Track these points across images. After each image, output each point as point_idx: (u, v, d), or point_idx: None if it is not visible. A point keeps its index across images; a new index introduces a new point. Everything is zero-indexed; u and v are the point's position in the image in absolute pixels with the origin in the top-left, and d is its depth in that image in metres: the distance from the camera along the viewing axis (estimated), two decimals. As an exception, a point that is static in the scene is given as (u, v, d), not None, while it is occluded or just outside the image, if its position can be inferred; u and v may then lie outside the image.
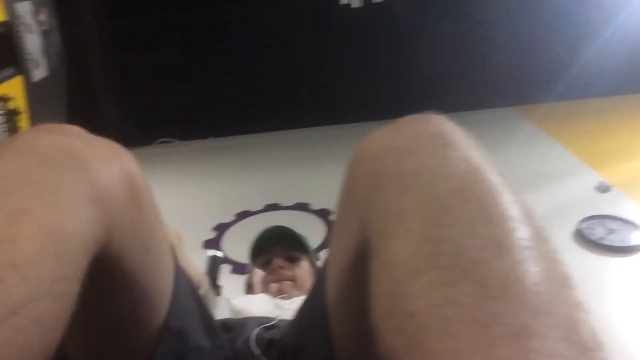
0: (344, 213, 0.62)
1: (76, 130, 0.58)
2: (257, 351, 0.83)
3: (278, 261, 1.35)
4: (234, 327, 0.91)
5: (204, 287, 1.21)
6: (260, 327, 0.91)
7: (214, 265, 1.44)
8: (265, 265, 1.38)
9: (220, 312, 1.14)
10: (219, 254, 1.43)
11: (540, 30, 3.04)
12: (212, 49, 3.04)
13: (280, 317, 1.01)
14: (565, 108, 3.08)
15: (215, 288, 1.41)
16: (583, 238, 1.78)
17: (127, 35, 2.99)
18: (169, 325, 0.70)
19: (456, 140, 0.52)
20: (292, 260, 1.37)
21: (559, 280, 0.40)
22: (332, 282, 0.68)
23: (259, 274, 1.36)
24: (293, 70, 3.14)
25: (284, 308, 1.13)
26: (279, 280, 1.31)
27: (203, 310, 0.82)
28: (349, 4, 2.68)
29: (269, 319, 0.98)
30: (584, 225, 1.84)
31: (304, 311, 0.84)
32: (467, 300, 0.37)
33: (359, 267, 0.53)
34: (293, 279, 1.31)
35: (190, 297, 0.79)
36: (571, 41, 3.01)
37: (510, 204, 0.45)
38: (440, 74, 3.05)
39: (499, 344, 0.35)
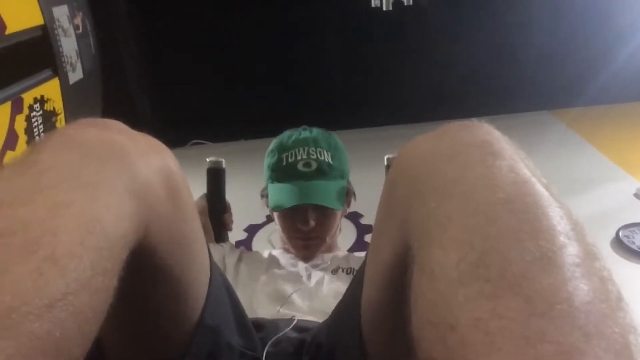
0: (385, 217, 0.61)
1: (118, 124, 0.59)
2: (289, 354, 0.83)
3: (308, 225, 1.19)
4: (266, 327, 0.92)
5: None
6: (291, 328, 0.91)
7: (216, 177, 1.31)
8: (291, 216, 1.23)
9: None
10: (221, 162, 1.30)
11: (574, 33, 2.98)
12: (244, 53, 3.05)
13: (301, 317, 1.00)
14: (600, 112, 3.01)
15: (222, 211, 1.32)
16: (622, 246, 1.73)
17: (162, 38, 3.03)
18: (204, 322, 0.71)
19: (503, 149, 0.50)
20: (323, 215, 1.22)
21: (611, 300, 0.38)
22: (368, 286, 0.67)
23: (279, 215, 1.25)
24: (324, 73, 3.14)
25: (312, 274, 1.12)
26: (306, 239, 1.22)
27: (236, 308, 0.83)
28: (380, 7, 2.66)
29: (301, 321, 0.98)
30: (623, 233, 1.79)
31: (338, 313, 0.84)
32: (513, 315, 0.36)
33: (398, 273, 0.52)
34: (320, 238, 1.23)
35: (225, 295, 0.79)
36: (605, 44, 2.94)
37: (560, 219, 0.43)
38: (474, 77, 3.01)
39: None
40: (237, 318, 0.81)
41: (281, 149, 1.24)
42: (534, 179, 0.47)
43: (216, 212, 1.37)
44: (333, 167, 1.22)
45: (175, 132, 3.11)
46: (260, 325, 0.91)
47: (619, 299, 0.39)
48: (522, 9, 2.97)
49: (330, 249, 1.29)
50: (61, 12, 2.09)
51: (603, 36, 2.93)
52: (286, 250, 1.29)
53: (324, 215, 1.21)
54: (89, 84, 2.33)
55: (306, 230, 1.20)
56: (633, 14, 2.88)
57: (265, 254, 1.26)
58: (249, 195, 2.56)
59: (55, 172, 0.47)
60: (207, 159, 1.29)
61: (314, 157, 1.20)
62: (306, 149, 1.21)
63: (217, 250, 1.25)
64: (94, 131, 0.54)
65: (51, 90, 1.99)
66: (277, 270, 1.15)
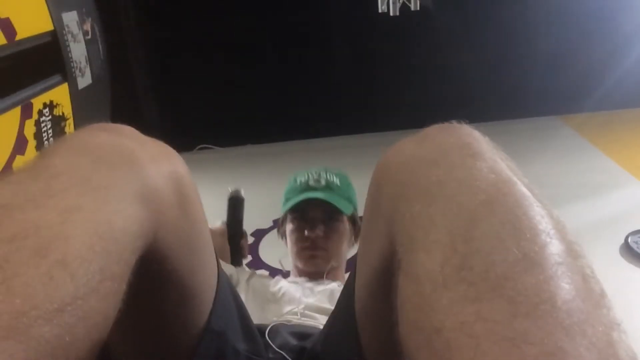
0: (371, 223, 0.61)
1: (129, 130, 0.59)
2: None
3: (316, 232, 1.26)
4: (268, 332, 0.92)
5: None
6: (291, 333, 0.92)
7: (236, 205, 1.40)
8: (301, 221, 1.32)
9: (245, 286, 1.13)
10: (240, 192, 1.41)
11: (581, 38, 2.98)
12: (251, 58, 3.07)
13: (308, 323, 1.01)
14: (608, 117, 3.00)
15: (240, 238, 1.39)
16: (631, 252, 1.71)
17: (170, 43, 3.05)
18: (210, 327, 0.71)
19: (484, 150, 0.51)
20: (330, 224, 1.29)
21: (593, 298, 0.38)
22: (360, 292, 0.67)
23: (291, 228, 1.34)
24: (332, 78, 3.14)
25: (314, 293, 1.13)
26: (313, 249, 1.27)
27: (242, 314, 0.83)
28: (387, 12, 2.67)
29: (301, 326, 0.98)
30: (632, 239, 1.77)
31: (335, 319, 0.84)
32: (497, 317, 0.36)
33: (386, 277, 0.52)
34: (327, 251, 1.28)
35: (231, 300, 0.80)
36: (613, 48, 2.93)
37: (541, 218, 0.43)
38: (482, 81, 3.00)
39: None
40: (242, 323, 0.81)
41: (295, 176, 1.39)
42: (514, 179, 0.47)
43: (234, 238, 1.43)
44: (341, 188, 1.32)
45: (182, 137, 3.12)
46: (262, 330, 0.92)
47: (602, 296, 0.39)
48: (529, 14, 2.97)
49: (335, 276, 1.29)
50: (70, 18, 2.11)
51: (611, 40, 2.92)
52: (294, 274, 1.33)
53: (332, 221, 1.29)
54: (98, 89, 2.35)
55: (313, 237, 1.26)
56: (639, 18, 2.88)
57: (274, 279, 1.28)
58: (256, 200, 2.57)
59: (67, 176, 0.47)
60: (229, 189, 1.40)
61: (324, 177, 1.33)
62: (317, 171, 1.35)
63: (229, 268, 1.28)
64: (105, 136, 0.54)
65: (60, 95, 2.01)
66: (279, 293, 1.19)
